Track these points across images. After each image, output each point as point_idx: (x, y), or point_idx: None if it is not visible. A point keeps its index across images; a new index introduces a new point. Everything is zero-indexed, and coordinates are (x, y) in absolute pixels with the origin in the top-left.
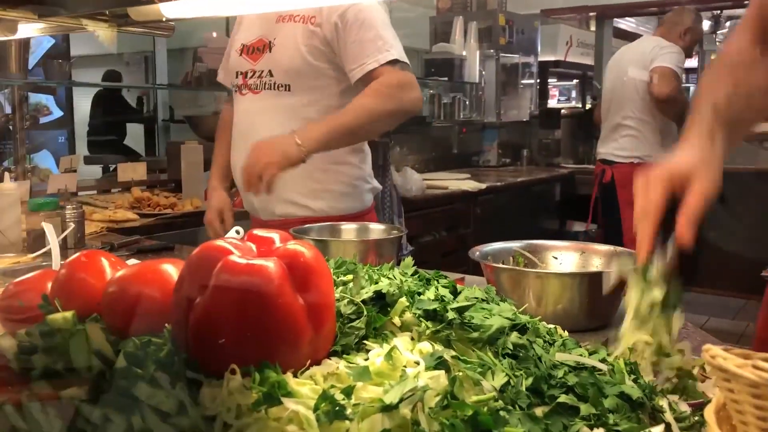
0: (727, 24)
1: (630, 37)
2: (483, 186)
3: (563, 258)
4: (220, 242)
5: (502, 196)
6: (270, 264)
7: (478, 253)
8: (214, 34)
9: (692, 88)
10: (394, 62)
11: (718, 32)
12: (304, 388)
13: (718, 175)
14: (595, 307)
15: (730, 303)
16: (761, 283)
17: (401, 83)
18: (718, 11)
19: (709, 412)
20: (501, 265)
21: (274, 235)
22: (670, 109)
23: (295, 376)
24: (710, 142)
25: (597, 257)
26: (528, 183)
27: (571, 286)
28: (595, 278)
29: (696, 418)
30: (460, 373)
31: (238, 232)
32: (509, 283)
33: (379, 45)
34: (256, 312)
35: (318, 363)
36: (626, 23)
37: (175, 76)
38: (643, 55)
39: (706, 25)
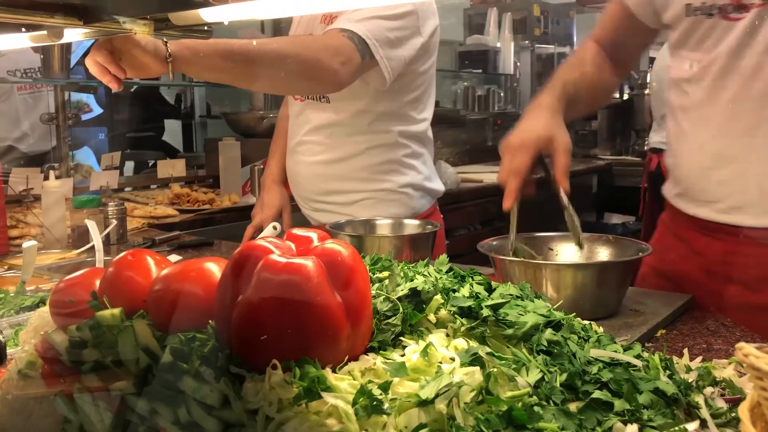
0: None
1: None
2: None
3: (559, 250)
4: (261, 242)
5: (538, 188)
6: (309, 263)
7: (485, 246)
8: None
9: None
10: (345, 31)
11: None
12: (343, 383)
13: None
14: (601, 297)
15: None
16: None
17: (331, 46)
18: None
19: (743, 409)
20: (509, 258)
21: (313, 234)
22: None
23: (333, 371)
24: (558, 110)
25: (597, 246)
26: None
27: (575, 276)
28: (603, 268)
29: (733, 414)
30: (495, 369)
31: (275, 228)
32: (517, 275)
33: (349, 16)
34: (295, 309)
35: (356, 359)
36: None
37: None
38: None
39: None
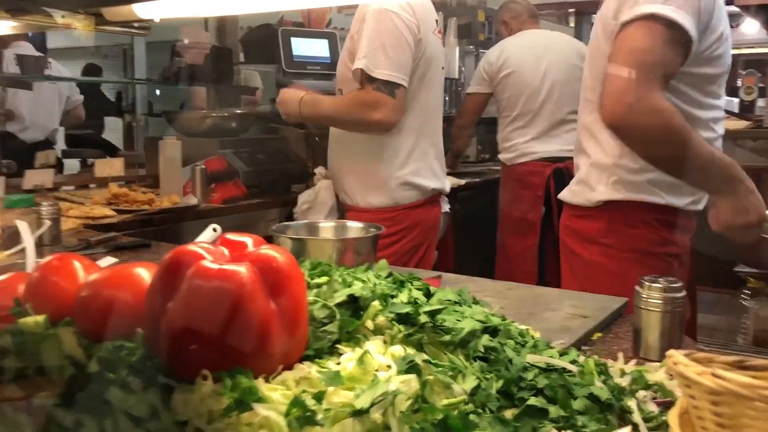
0: None
1: None
2: (462, 182)
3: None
4: (192, 247)
5: (482, 191)
6: (242, 269)
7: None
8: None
9: None
10: (373, 80)
11: None
12: (276, 394)
13: None
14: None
15: (704, 297)
16: (735, 278)
17: (368, 103)
18: None
19: (672, 416)
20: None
21: (247, 240)
22: None
23: (267, 381)
24: None
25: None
26: None
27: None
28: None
29: (664, 417)
30: (432, 377)
31: (215, 230)
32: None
33: (361, 53)
34: (227, 317)
35: (290, 368)
36: None
37: (155, 69)
38: None
39: None
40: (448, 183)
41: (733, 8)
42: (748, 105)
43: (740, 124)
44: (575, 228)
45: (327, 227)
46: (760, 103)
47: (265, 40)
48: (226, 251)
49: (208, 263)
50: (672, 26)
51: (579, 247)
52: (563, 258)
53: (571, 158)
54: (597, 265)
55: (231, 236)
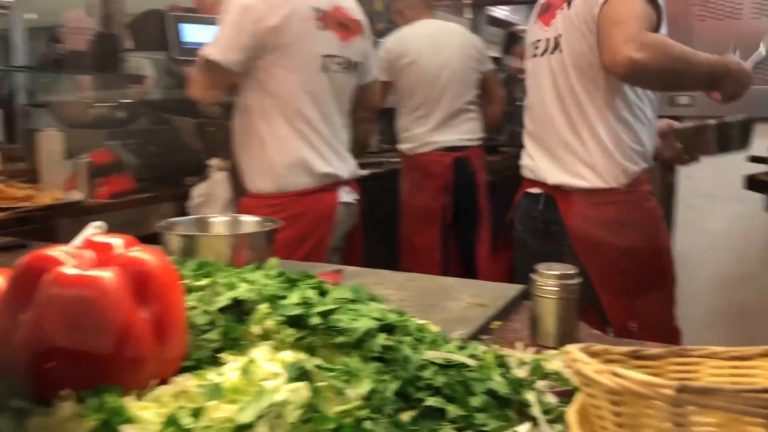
0: None
1: (503, 25)
2: (364, 173)
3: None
4: (51, 251)
5: (383, 181)
6: (106, 274)
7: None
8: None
9: None
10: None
11: None
12: (148, 412)
13: None
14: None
15: None
16: None
17: (190, 79)
18: None
19: (571, 413)
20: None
21: (116, 241)
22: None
23: (138, 398)
24: None
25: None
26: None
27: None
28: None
29: (562, 408)
30: (323, 383)
31: (96, 229)
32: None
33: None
34: (90, 329)
35: (166, 382)
36: (500, 11)
37: (37, 56)
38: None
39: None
40: (346, 170)
41: None
42: None
43: None
44: (604, 216)
45: (219, 222)
46: None
47: (153, 26)
48: (93, 254)
49: (67, 269)
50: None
51: (610, 235)
52: (586, 257)
53: (469, 147)
54: (637, 248)
55: (98, 237)
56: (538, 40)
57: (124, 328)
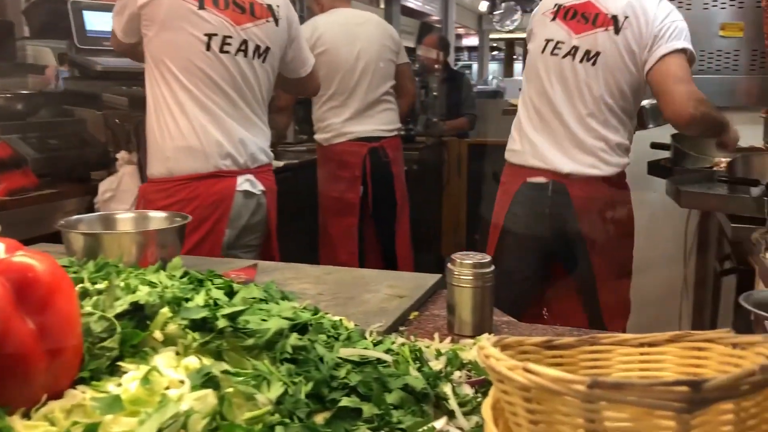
0: (503, 5)
1: (417, 15)
2: (281, 164)
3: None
4: None
5: (299, 172)
6: None
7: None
8: None
9: (474, 65)
10: None
11: (494, 12)
12: (37, 431)
13: None
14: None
15: None
16: None
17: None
18: None
19: (486, 407)
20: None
21: None
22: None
23: (27, 415)
24: None
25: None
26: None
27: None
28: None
29: (479, 399)
30: (231, 389)
31: None
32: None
33: None
34: None
35: (59, 395)
36: (413, 2)
37: None
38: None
39: (483, 6)
40: (246, 158)
41: None
42: None
43: None
44: (605, 195)
45: (126, 219)
46: None
47: (53, 13)
48: None
49: None
50: (688, 54)
51: (608, 209)
52: (586, 228)
53: (385, 137)
54: (623, 217)
55: None
56: (561, 42)
57: (10, 341)
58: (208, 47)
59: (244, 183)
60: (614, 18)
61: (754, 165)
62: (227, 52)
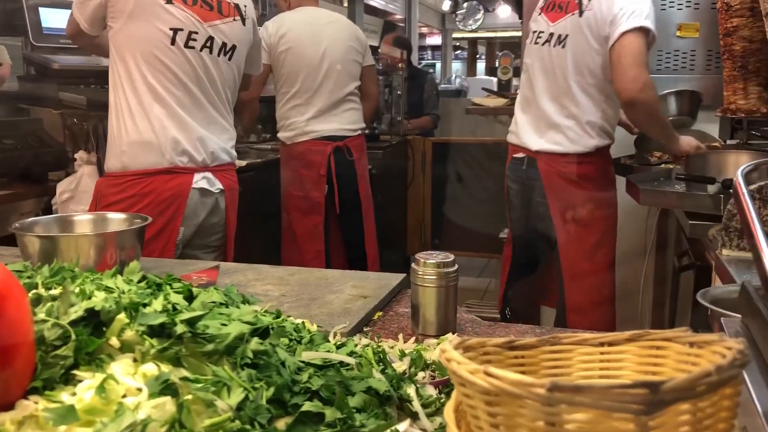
0: (465, 5)
1: (380, 13)
2: (243, 163)
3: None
4: None
5: (263, 172)
6: None
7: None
8: None
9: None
10: None
11: (457, 12)
12: None
13: None
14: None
15: (474, 262)
16: (500, 243)
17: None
18: None
19: (448, 410)
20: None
21: None
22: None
23: None
24: None
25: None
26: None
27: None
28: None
29: (443, 399)
30: (190, 396)
31: None
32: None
33: None
34: None
35: (10, 406)
36: (376, 0)
37: None
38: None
39: (446, 5)
40: (204, 155)
41: None
42: (505, 84)
43: (499, 102)
44: (571, 171)
45: (83, 221)
46: (515, 81)
47: (6, 9)
48: None
49: None
50: (650, 37)
51: (574, 186)
52: (553, 202)
53: (349, 137)
54: (593, 196)
55: None
56: (542, 32)
57: None
58: (173, 42)
59: (200, 180)
60: (579, 2)
61: (710, 163)
62: (192, 47)
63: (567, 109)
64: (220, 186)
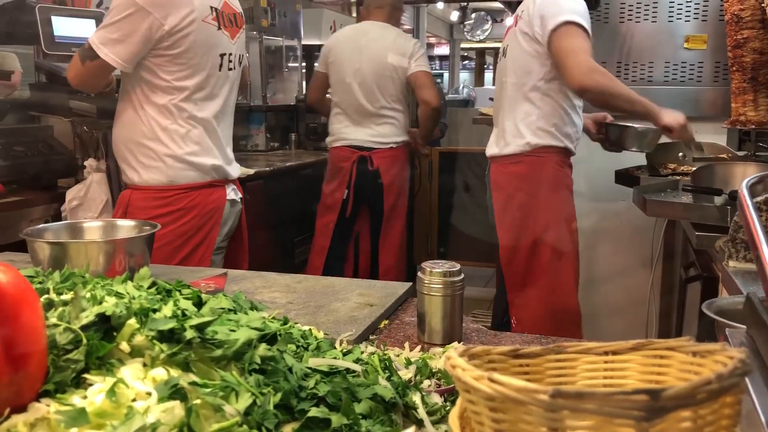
0: (473, 16)
1: None
2: (251, 171)
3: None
4: None
5: (271, 180)
6: None
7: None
8: None
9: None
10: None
11: (465, 22)
12: None
13: None
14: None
15: (480, 272)
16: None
17: (72, 61)
18: (465, 3)
19: (453, 417)
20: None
21: None
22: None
23: None
24: None
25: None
26: (297, 167)
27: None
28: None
29: (447, 408)
30: (199, 401)
31: None
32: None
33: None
34: None
35: (22, 408)
36: None
37: None
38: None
39: (454, 15)
40: (235, 169)
41: (497, 4)
42: None
43: None
44: (509, 171)
45: (93, 227)
46: None
47: (18, 18)
48: None
49: None
50: (582, 27)
51: (511, 186)
52: (495, 203)
53: (376, 149)
54: (528, 194)
55: None
56: (503, 48)
57: None
58: (221, 67)
59: (230, 192)
60: (516, 16)
61: (717, 174)
62: (231, 69)
63: (509, 113)
64: (240, 195)
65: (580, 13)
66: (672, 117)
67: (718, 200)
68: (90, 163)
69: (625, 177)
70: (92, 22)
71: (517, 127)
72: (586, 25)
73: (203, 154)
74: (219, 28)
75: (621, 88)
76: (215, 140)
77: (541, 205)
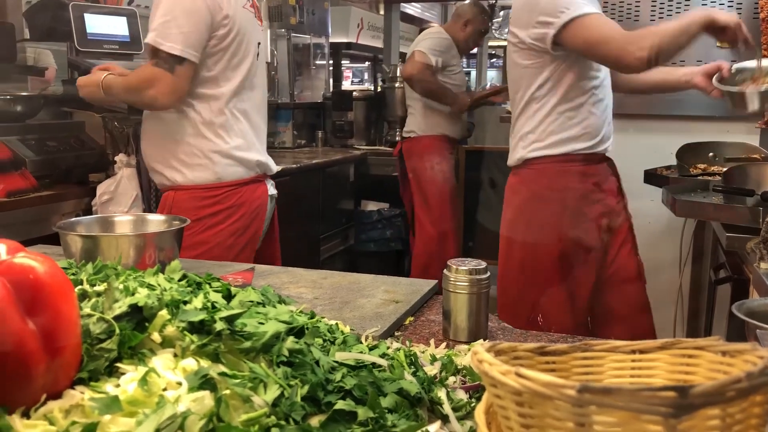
0: (501, 13)
1: (416, 21)
2: (279, 168)
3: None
4: None
5: (298, 177)
6: None
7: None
8: None
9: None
10: (156, 54)
11: (493, 20)
12: (36, 431)
13: None
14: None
15: None
16: None
17: (145, 79)
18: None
19: (479, 412)
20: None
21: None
22: (415, 87)
23: (26, 415)
24: None
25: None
26: (323, 164)
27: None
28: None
29: (473, 404)
30: (228, 391)
31: None
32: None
33: (153, 26)
34: None
35: (58, 395)
36: (413, 8)
37: None
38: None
39: None
40: (273, 164)
41: None
42: None
43: None
44: (509, 184)
45: (124, 221)
46: None
47: (54, 15)
48: None
49: None
50: (587, 15)
51: (511, 194)
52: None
53: (404, 139)
54: (522, 202)
55: None
56: None
57: (10, 341)
58: (258, 56)
59: (270, 188)
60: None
61: (749, 175)
62: (260, 57)
63: (512, 126)
64: (275, 191)
65: (574, 2)
66: (727, 15)
67: (750, 201)
68: (120, 158)
69: (654, 177)
70: (124, 19)
71: (516, 141)
72: (588, 8)
73: (247, 148)
74: (255, 15)
75: (667, 30)
76: (258, 134)
77: (536, 219)
